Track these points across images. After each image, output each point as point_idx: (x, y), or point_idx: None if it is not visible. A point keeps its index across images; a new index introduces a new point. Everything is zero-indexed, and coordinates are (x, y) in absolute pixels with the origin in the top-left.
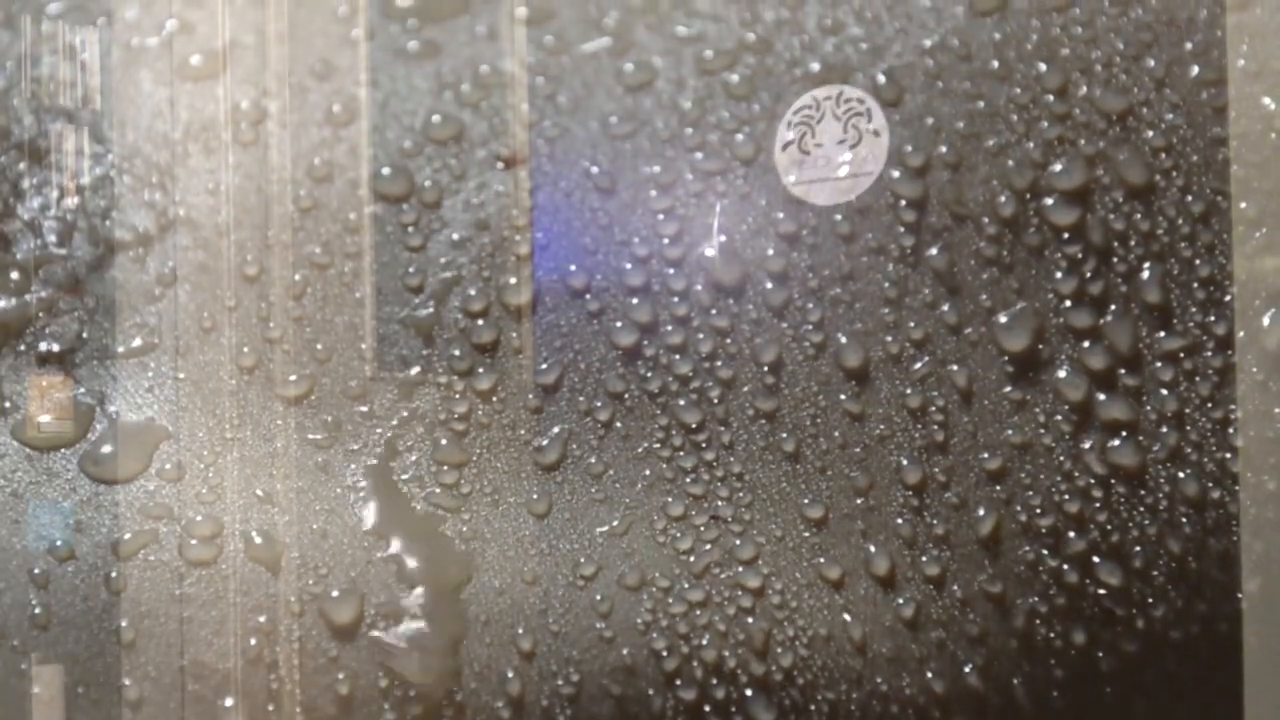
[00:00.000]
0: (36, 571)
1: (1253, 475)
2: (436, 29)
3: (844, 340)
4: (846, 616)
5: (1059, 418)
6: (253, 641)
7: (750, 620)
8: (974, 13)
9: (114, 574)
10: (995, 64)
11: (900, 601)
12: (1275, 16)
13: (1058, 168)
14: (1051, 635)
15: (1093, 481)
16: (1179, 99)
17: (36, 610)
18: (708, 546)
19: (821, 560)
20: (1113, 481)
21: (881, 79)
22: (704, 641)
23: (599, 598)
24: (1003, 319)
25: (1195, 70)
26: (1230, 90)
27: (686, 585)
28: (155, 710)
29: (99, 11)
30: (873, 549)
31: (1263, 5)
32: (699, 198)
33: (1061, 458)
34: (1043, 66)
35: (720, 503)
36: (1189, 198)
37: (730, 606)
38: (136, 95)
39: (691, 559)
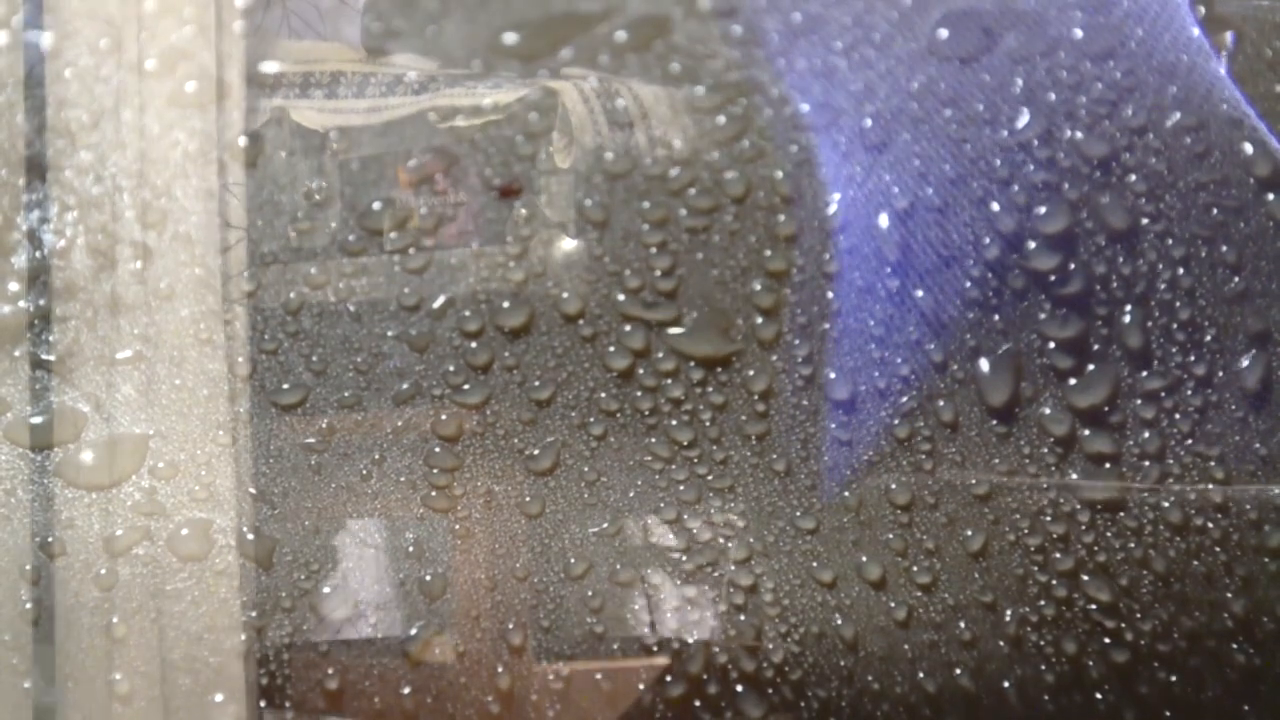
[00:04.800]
0: (28, 568)
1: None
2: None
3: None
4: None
5: (1045, 450)
6: (243, 637)
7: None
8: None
9: (104, 570)
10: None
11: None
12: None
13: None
14: (1041, 644)
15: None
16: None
17: (28, 605)
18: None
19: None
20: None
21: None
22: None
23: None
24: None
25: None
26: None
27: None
28: (145, 704)
29: (101, 35)
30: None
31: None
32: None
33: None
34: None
35: None
36: (1170, 241)
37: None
38: (136, 119)
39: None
